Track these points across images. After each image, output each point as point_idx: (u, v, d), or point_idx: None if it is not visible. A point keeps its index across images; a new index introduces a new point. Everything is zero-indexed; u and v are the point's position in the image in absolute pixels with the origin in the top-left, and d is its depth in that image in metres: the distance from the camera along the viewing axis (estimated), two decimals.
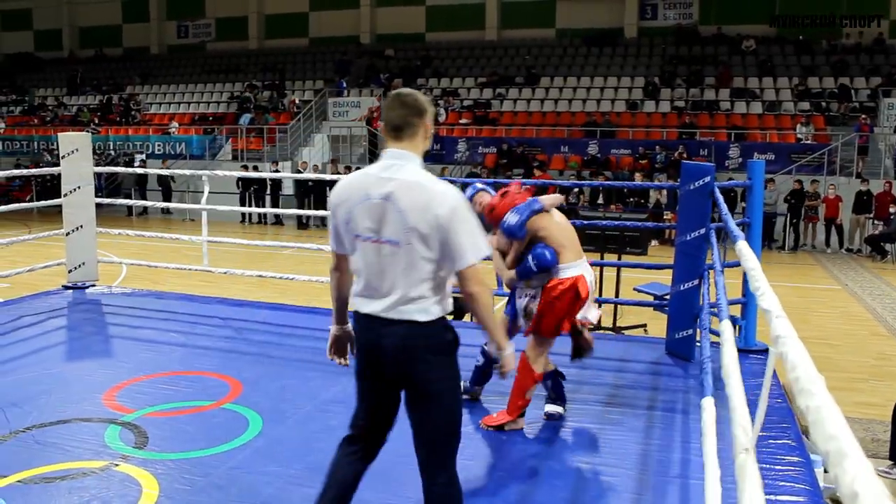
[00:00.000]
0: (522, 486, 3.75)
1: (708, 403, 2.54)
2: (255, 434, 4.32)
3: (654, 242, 15.22)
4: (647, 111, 21.77)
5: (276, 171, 20.58)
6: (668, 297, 6.53)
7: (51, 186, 20.68)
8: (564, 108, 22.68)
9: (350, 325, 3.05)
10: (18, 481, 3.71)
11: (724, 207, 4.85)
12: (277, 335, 6.38)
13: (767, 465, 3.82)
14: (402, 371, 2.77)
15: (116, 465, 3.92)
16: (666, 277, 6.89)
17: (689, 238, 5.70)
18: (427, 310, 2.72)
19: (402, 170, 2.73)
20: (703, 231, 5.62)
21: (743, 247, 3.32)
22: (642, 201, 17.91)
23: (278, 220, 21.11)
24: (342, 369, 5.46)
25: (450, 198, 2.67)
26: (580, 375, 5.41)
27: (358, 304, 2.86)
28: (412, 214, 2.65)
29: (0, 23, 36.26)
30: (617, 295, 8.43)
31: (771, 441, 4.16)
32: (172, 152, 23.94)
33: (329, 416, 4.63)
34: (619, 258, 8.14)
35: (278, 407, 4.76)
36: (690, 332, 5.80)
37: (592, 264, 7.94)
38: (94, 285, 8.05)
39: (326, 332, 6.25)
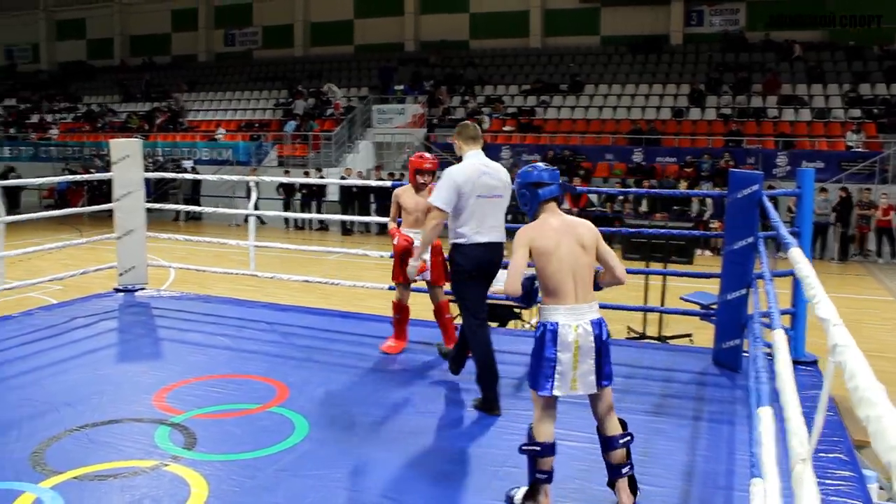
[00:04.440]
0: (568, 496, 3.73)
1: (765, 413, 2.50)
2: (301, 437, 4.37)
3: (699, 252, 15.04)
4: (693, 119, 21.54)
5: (322, 177, 20.77)
6: (714, 306, 6.46)
7: (102, 192, 21.10)
8: (609, 116, 22.55)
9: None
10: (74, 478, 3.80)
11: (775, 216, 4.79)
12: (322, 340, 6.44)
13: (819, 479, 3.74)
14: (497, 270, 4.92)
15: (166, 464, 3.98)
16: (713, 287, 6.82)
17: (736, 247, 5.63)
18: (504, 234, 4.90)
19: (485, 159, 4.92)
20: (751, 240, 5.55)
21: (796, 254, 3.27)
22: (686, 210, 17.72)
23: (323, 226, 21.30)
24: (386, 375, 5.53)
25: (503, 170, 4.98)
26: (626, 384, 5.37)
27: (475, 238, 4.76)
28: (500, 180, 4.86)
29: (55, 32, 37.21)
30: (662, 304, 8.35)
31: (822, 455, 4.09)
32: (219, 158, 24.29)
33: (375, 422, 4.66)
34: (665, 267, 8.07)
35: (324, 411, 4.80)
36: (738, 342, 5.73)
37: (636, 272, 7.92)
38: (143, 288, 8.20)
39: (370, 337, 6.32)
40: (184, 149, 25.16)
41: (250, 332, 6.75)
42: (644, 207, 17.95)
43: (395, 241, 5.76)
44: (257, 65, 31.48)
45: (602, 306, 6.95)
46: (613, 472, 3.58)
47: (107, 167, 8.80)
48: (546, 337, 3.45)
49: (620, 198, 18.34)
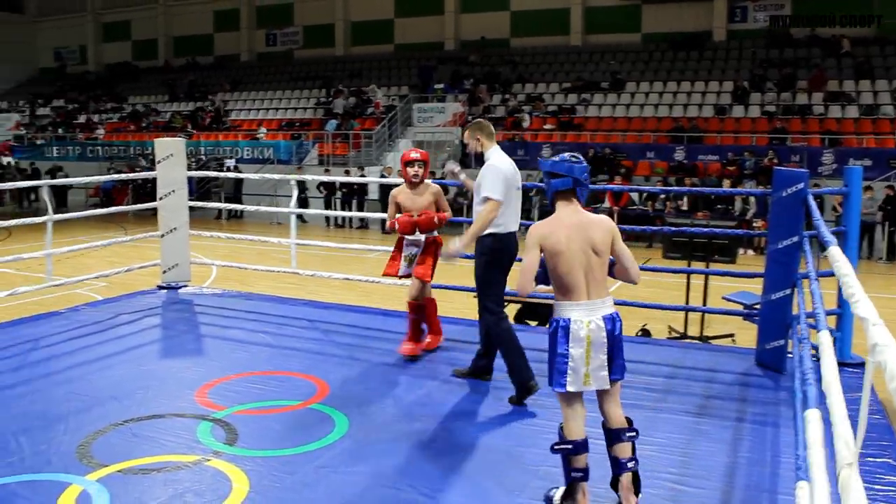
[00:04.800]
0: (612, 497, 3.70)
1: (813, 416, 2.45)
2: (341, 434, 4.39)
3: (742, 251, 14.83)
4: (736, 116, 21.23)
5: (363, 175, 20.87)
6: (758, 306, 6.36)
7: (146, 190, 21.44)
8: (650, 114, 22.33)
9: None
10: (119, 471, 3.87)
11: (818, 215, 4.71)
12: (363, 338, 6.47)
13: (866, 485, 3.67)
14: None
15: (208, 459, 4.04)
16: (755, 286, 6.72)
17: (781, 246, 5.54)
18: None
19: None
20: (795, 239, 5.46)
21: (835, 252, 3.21)
22: (730, 208, 17.48)
23: (363, 224, 21.39)
24: (427, 373, 5.53)
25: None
26: (668, 385, 5.32)
27: (510, 227, 5.05)
28: (519, 173, 5.15)
29: (102, 35, 37.92)
30: (704, 303, 8.24)
31: (869, 459, 4.01)
32: (261, 157, 24.54)
33: (413, 419, 4.67)
34: (707, 266, 7.97)
35: (364, 409, 4.82)
36: (782, 342, 5.64)
37: (678, 271, 7.83)
38: (186, 285, 8.31)
39: None
40: (226, 148, 25.46)
41: (291, 330, 6.81)
42: (685, 206, 17.74)
43: (399, 225, 5.75)
44: (298, 64, 31.73)
45: (642, 305, 6.95)
46: (618, 467, 3.53)
47: (151, 166, 8.93)
48: (558, 333, 3.45)
49: (662, 196, 18.14)
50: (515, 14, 28.01)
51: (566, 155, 3.64)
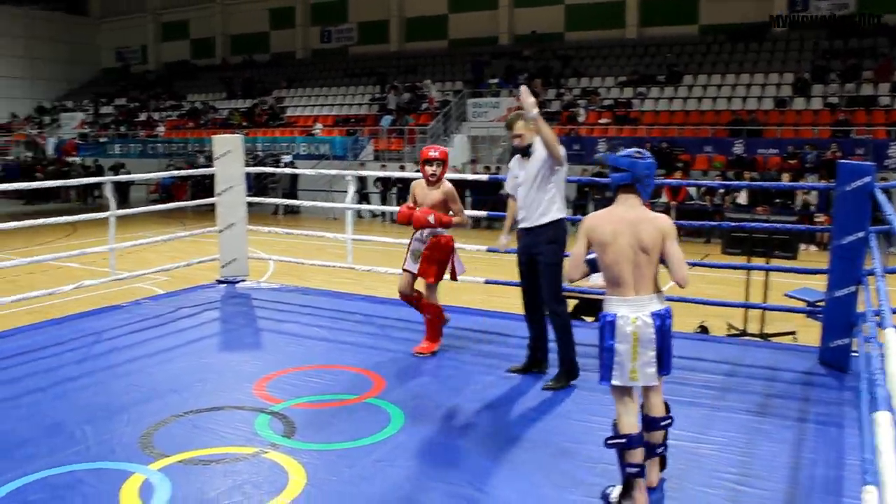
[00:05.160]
0: (670, 496, 3.65)
1: (883, 418, 2.37)
2: (397, 429, 4.41)
3: (803, 246, 14.49)
4: (797, 108, 20.73)
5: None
6: (821, 303, 6.21)
7: (205, 186, 21.82)
8: (708, 107, 21.94)
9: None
10: (179, 461, 3.95)
11: (890, 209, 4.56)
12: (418, 333, 6.46)
13: None
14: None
15: (266, 452, 4.09)
16: (818, 283, 6.55)
17: (845, 241, 5.39)
18: None
19: None
20: (861, 234, 5.31)
21: None
22: (790, 203, 17.08)
23: None
24: (481, 368, 5.53)
25: None
26: (727, 383, 5.23)
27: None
28: None
29: (161, 34, 38.72)
30: (765, 300, 8.08)
31: None
32: (316, 153, 24.79)
33: (470, 415, 4.67)
34: (768, 262, 7.81)
35: (420, 403, 4.83)
36: (847, 341, 5.49)
37: (737, 267, 7.67)
38: (244, 280, 8.43)
39: (466, 330, 6.34)
40: (283, 144, 25.77)
41: (348, 324, 6.86)
42: (743, 200, 17.38)
43: (415, 216, 5.69)
44: (353, 61, 31.97)
45: (701, 302, 6.83)
46: (648, 452, 3.55)
47: (209, 163, 9.08)
48: (605, 328, 3.49)
49: (721, 191, 17.81)
50: (570, 7, 27.79)
51: (631, 150, 3.62)
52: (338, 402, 4.86)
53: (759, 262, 7.90)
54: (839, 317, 5.50)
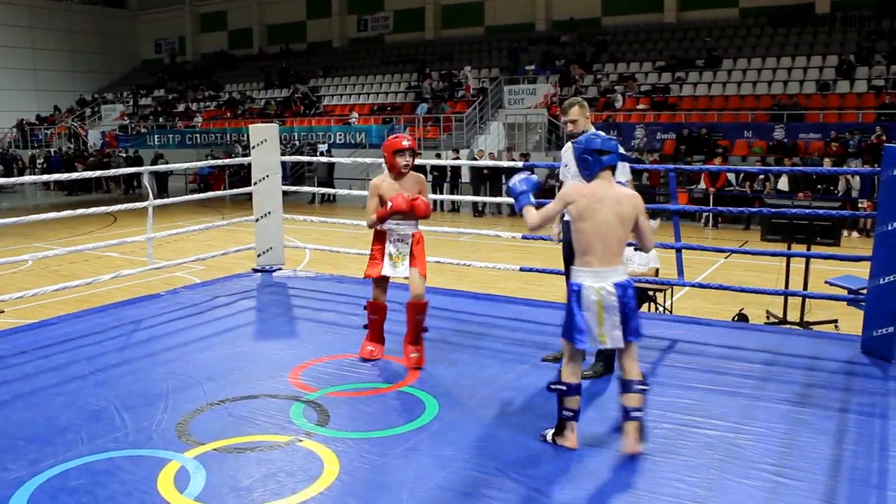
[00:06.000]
0: (707, 487, 3.60)
1: None
2: (431, 417, 4.40)
3: (846, 233, 14.22)
4: (841, 92, 20.31)
5: (457, 158, 20.86)
6: (864, 291, 6.07)
7: (241, 176, 22.02)
8: (748, 92, 21.59)
9: None
10: (215, 449, 3.98)
11: None
12: (454, 321, 6.45)
13: None
14: None
15: (300, 440, 4.10)
16: (861, 270, 6.41)
17: (891, 228, 5.26)
18: None
19: None
20: None
21: None
22: (832, 188, 16.76)
23: (454, 207, 21.43)
24: (517, 357, 5.49)
25: None
26: (766, 372, 5.13)
27: None
28: None
29: (199, 25, 39.09)
30: (805, 288, 7.93)
31: None
32: (353, 142, 24.86)
33: (504, 403, 4.64)
34: (809, 249, 7.66)
35: (454, 392, 4.82)
36: (891, 329, 5.35)
37: (777, 254, 7.53)
38: (280, 269, 8.48)
39: (502, 319, 6.31)
40: (319, 133, 25.89)
41: None
42: (784, 186, 17.09)
43: (391, 207, 5.13)
44: (389, 49, 31.98)
45: (739, 290, 6.73)
46: (625, 414, 3.86)
47: (246, 152, 9.14)
48: (572, 297, 3.85)
49: (760, 177, 17.53)
50: None
51: (602, 133, 4.06)
52: (372, 391, 4.86)
53: (799, 248, 7.76)
54: (883, 305, 5.38)
